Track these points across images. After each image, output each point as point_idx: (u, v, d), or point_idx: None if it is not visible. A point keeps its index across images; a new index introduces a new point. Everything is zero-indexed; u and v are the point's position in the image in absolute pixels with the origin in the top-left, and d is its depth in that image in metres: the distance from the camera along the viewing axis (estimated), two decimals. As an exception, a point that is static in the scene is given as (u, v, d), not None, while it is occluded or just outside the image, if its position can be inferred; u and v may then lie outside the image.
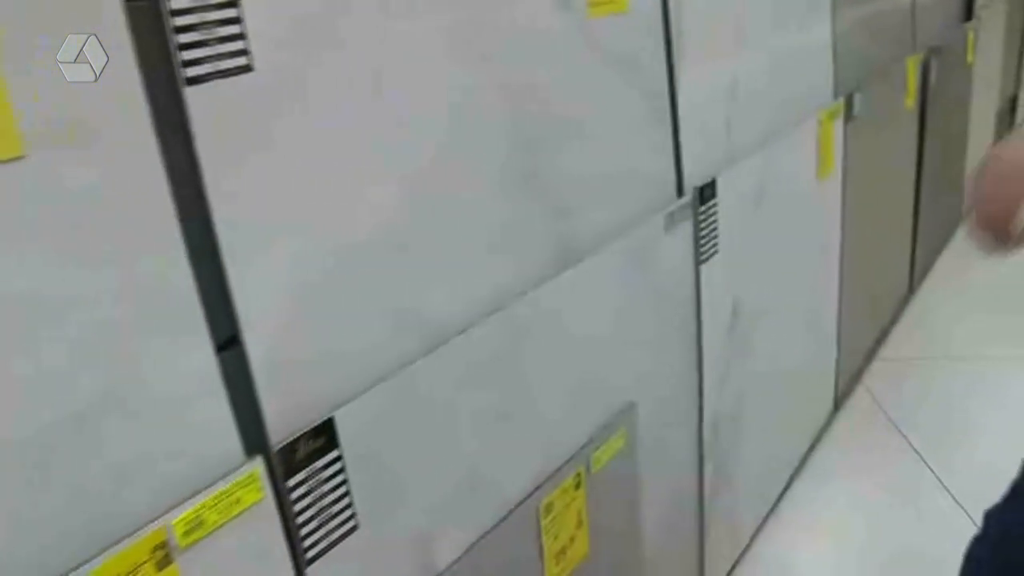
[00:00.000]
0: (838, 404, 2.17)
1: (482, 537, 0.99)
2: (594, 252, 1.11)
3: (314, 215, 0.77)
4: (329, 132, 0.77)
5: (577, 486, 1.13)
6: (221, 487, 0.71)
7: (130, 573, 0.66)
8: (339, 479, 0.81)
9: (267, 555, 0.76)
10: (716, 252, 1.38)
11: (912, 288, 2.72)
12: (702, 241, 1.33)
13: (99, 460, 0.64)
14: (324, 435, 0.79)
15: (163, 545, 0.68)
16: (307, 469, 0.78)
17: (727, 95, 1.39)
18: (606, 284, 1.14)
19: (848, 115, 1.87)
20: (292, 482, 0.77)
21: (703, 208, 1.32)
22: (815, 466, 1.99)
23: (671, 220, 1.26)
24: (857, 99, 1.89)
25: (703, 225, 1.33)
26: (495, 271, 0.98)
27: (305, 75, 0.74)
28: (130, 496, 0.66)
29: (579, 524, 1.16)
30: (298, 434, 0.77)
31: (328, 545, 0.81)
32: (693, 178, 1.31)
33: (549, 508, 1.08)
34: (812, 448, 2.03)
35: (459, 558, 0.96)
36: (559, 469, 1.10)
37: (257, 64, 0.70)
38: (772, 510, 1.84)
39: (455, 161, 0.90)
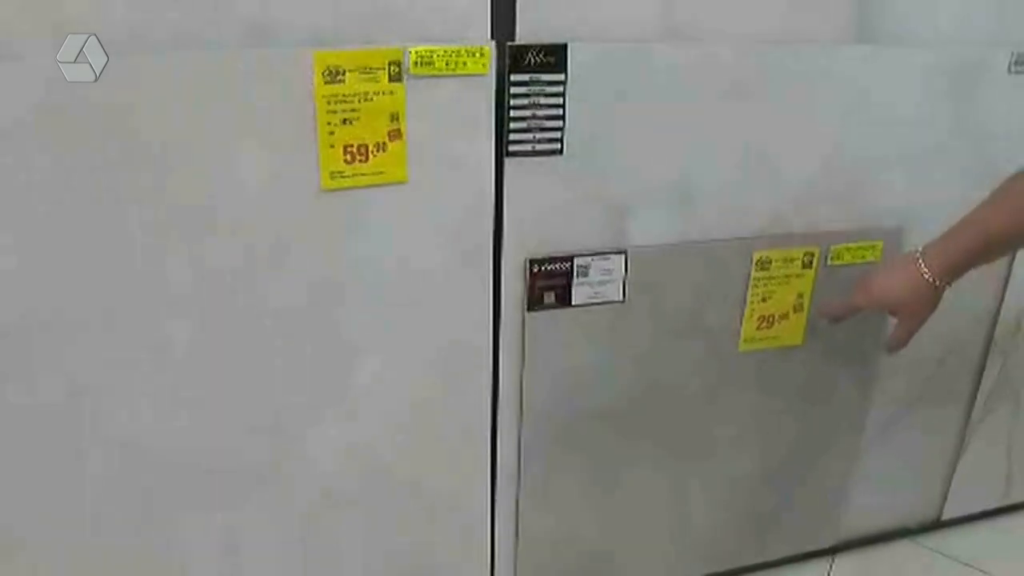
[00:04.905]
0: None
1: (679, 243, 1.07)
2: (902, 43, 1.09)
3: None
4: None
5: (807, 265, 1.14)
6: (454, 46, 0.90)
7: (368, 69, 0.88)
8: (557, 100, 0.96)
9: (474, 123, 0.94)
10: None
11: None
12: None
13: None
14: (555, 57, 0.94)
15: (397, 63, 0.89)
16: (530, 74, 0.94)
17: None
18: (907, 87, 1.11)
19: None
20: (515, 78, 0.93)
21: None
22: None
23: (1021, 63, 1.16)
24: None
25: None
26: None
27: None
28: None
29: (798, 307, 1.17)
30: (531, 43, 0.93)
31: (530, 151, 0.97)
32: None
33: (763, 264, 1.12)
34: None
35: (650, 245, 1.06)
36: (787, 235, 1.12)
37: None
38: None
39: None
